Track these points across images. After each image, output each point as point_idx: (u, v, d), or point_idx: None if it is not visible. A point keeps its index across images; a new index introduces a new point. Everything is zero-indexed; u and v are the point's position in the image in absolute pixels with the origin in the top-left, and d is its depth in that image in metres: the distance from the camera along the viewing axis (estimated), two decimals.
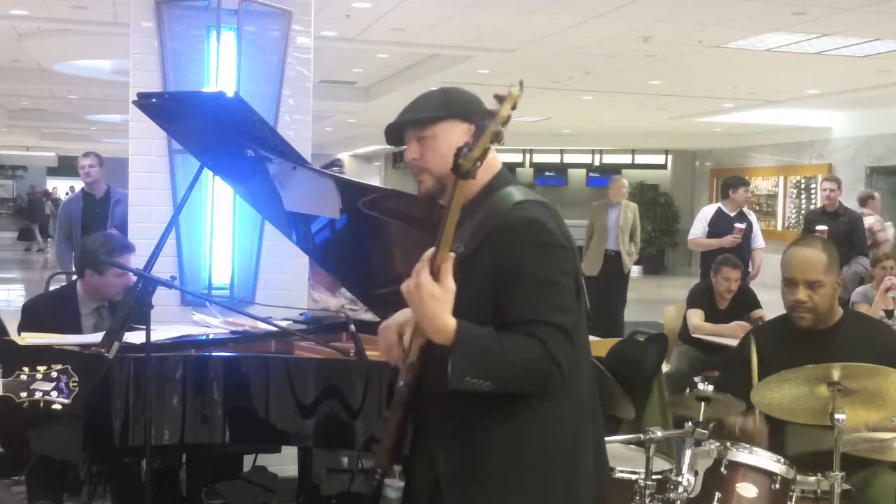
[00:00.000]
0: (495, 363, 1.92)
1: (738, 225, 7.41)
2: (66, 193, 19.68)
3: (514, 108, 1.76)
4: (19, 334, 3.85)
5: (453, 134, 2.11)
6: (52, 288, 5.20)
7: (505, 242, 1.98)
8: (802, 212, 15.65)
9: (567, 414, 2.06)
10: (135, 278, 4.07)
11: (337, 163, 8.00)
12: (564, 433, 2.06)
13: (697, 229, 7.73)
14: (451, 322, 1.91)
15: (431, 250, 1.92)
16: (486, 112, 1.93)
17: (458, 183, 1.83)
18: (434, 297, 1.90)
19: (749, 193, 7.61)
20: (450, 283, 1.91)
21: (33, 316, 4.09)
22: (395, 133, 2.20)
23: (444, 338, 1.91)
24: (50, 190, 30.44)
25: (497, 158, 2.15)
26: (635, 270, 10.48)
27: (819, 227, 7.45)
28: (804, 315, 3.14)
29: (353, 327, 3.51)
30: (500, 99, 1.76)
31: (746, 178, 8.70)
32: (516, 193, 2.08)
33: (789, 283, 3.16)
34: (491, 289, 1.98)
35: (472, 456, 2.04)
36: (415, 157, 2.15)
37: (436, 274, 1.90)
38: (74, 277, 4.45)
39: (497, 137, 1.77)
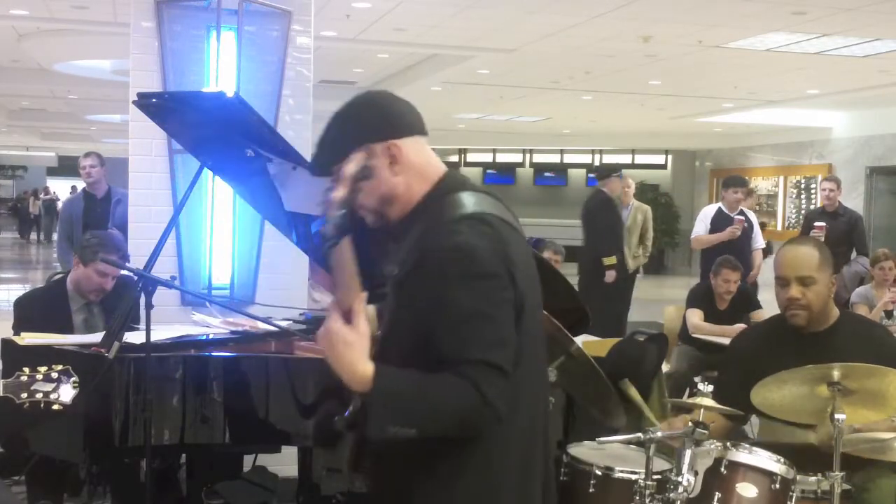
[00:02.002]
0: (418, 410, 1.79)
1: (737, 217, 7.41)
2: (70, 192, 19.72)
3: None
4: (13, 331, 3.85)
5: (363, 166, 1.91)
6: None
7: (431, 274, 1.81)
8: (802, 212, 15.65)
9: (512, 451, 1.91)
10: (112, 284, 4.09)
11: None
12: (508, 473, 1.91)
13: (699, 229, 7.75)
14: (367, 369, 1.77)
15: (338, 294, 1.80)
16: (403, 121, 1.87)
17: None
18: (347, 343, 1.77)
19: (739, 194, 7.59)
20: (362, 327, 1.78)
21: (24, 311, 4.11)
22: (320, 172, 2.00)
23: (362, 385, 1.78)
24: (47, 190, 30.47)
25: (436, 165, 1.97)
26: None
27: (818, 224, 7.45)
28: (797, 312, 3.11)
29: None
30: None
31: (746, 178, 8.71)
32: (461, 204, 1.89)
33: (782, 281, 3.14)
34: (420, 321, 1.83)
35: (403, 499, 1.92)
36: (343, 197, 1.90)
37: (347, 317, 1.78)
38: (60, 275, 4.46)
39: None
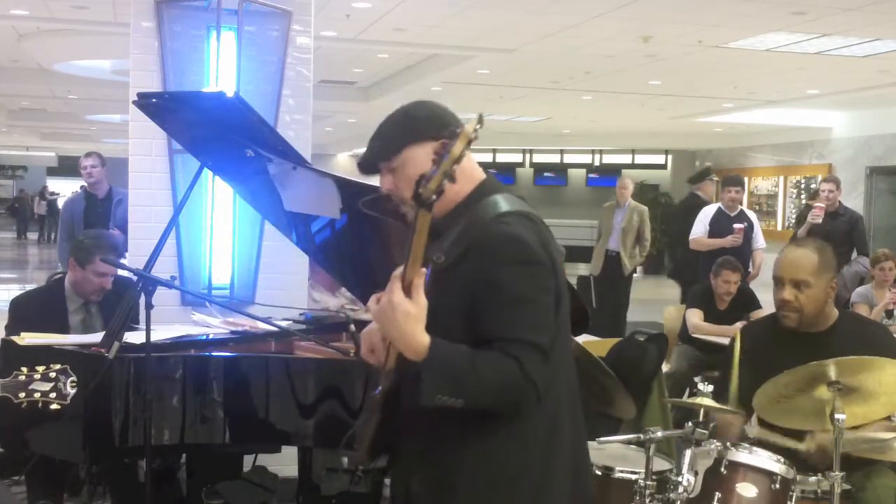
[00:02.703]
0: (468, 381, 1.90)
1: (737, 225, 7.40)
2: (73, 193, 19.69)
3: (469, 144, 1.75)
4: (6, 331, 3.85)
5: (420, 158, 2.02)
6: None
7: (484, 258, 1.95)
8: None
9: (540, 432, 2.03)
10: (111, 283, 4.09)
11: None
12: (534, 452, 2.03)
13: (698, 229, 7.74)
14: (425, 339, 1.88)
15: (401, 268, 1.89)
16: (452, 125, 1.93)
17: (420, 211, 1.80)
18: (408, 314, 1.87)
19: (732, 193, 7.61)
20: (422, 300, 1.88)
21: (21, 311, 4.10)
22: (368, 167, 2.14)
23: (417, 355, 1.88)
24: (48, 189, 30.42)
25: (479, 168, 2.12)
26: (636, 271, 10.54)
27: (818, 204, 7.44)
28: (788, 315, 3.13)
29: (353, 327, 3.51)
30: (452, 136, 1.75)
31: (743, 177, 8.72)
32: (501, 203, 2.04)
33: (777, 281, 3.16)
34: (468, 302, 1.96)
35: (443, 476, 2.02)
36: (390, 189, 2.10)
37: (407, 290, 1.87)
38: (60, 275, 4.46)
39: (452, 172, 1.75)
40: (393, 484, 2.22)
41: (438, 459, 2.03)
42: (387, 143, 2.09)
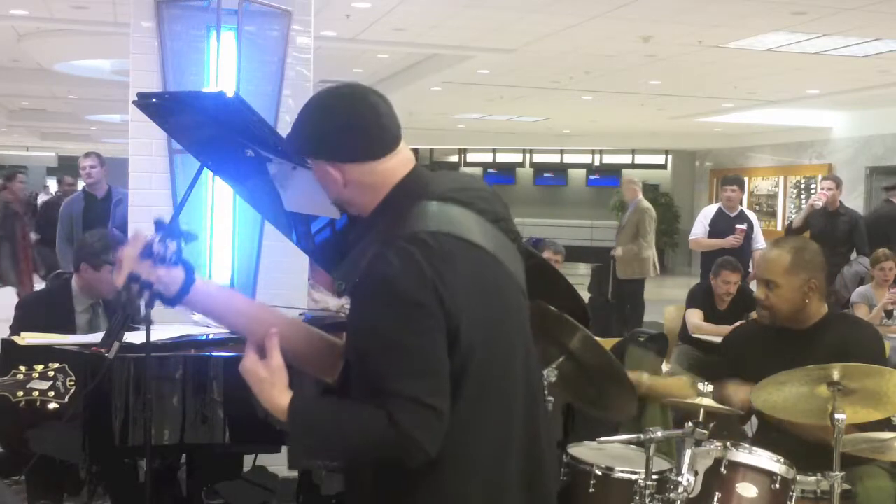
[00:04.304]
0: (333, 441, 1.81)
1: (739, 226, 7.40)
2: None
3: None
4: (10, 331, 3.85)
5: (320, 172, 1.94)
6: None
7: (360, 297, 1.81)
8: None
9: (469, 476, 1.84)
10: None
11: None
12: (464, 496, 1.84)
13: (698, 229, 7.74)
14: (282, 402, 1.82)
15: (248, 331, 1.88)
16: (342, 142, 1.85)
17: None
18: (260, 380, 1.85)
19: (729, 192, 7.61)
20: (275, 362, 1.85)
21: (28, 312, 4.11)
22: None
23: (281, 417, 1.83)
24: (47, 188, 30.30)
25: (395, 166, 1.91)
26: None
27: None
28: (761, 312, 3.24)
29: None
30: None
31: (743, 177, 8.72)
32: (404, 224, 1.83)
33: (756, 279, 3.29)
34: (354, 346, 1.84)
35: None
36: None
37: (261, 352, 1.85)
38: (66, 276, 4.45)
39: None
40: None
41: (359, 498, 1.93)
42: (297, 142, 1.96)
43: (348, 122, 1.88)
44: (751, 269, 7.51)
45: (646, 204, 9.75)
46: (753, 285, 6.88)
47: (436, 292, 1.77)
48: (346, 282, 1.86)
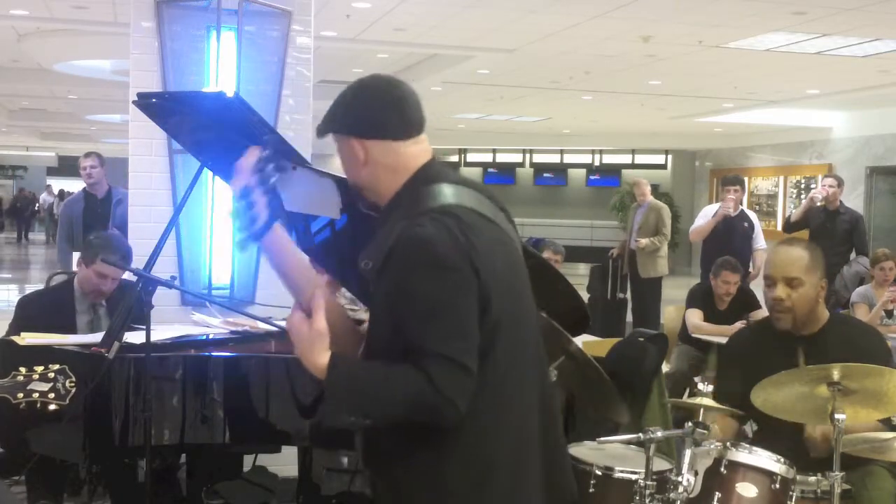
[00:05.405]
0: (372, 400, 1.86)
1: (730, 196, 7.45)
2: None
3: None
4: (10, 330, 3.84)
5: (343, 150, 2.02)
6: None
7: (395, 264, 1.86)
8: None
9: (498, 445, 1.91)
10: (112, 286, 4.09)
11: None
12: (493, 466, 1.90)
13: (699, 223, 7.81)
14: (321, 361, 1.87)
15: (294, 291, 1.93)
16: (367, 118, 1.92)
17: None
18: (300, 338, 1.90)
19: (730, 193, 7.63)
20: (319, 323, 1.89)
21: (28, 312, 4.10)
22: (319, 133, 2.10)
23: (320, 375, 1.88)
24: (49, 190, 30.28)
25: (412, 161, 2.00)
26: None
27: (824, 187, 7.45)
28: (780, 315, 3.10)
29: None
30: None
31: (742, 178, 8.73)
32: (433, 197, 1.93)
33: (769, 280, 3.13)
34: (390, 311, 1.89)
35: (394, 488, 1.97)
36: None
37: (308, 312, 1.91)
38: (66, 276, 4.45)
39: None
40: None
41: (386, 471, 1.98)
42: (326, 120, 2.04)
43: (377, 98, 1.99)
44: (751, 269, 7.53)
45: (660, 202, 9.77)
46: (753, 286, 6.98)
47: (470, 260, 1.85)
48: (374, 260, 1.91)
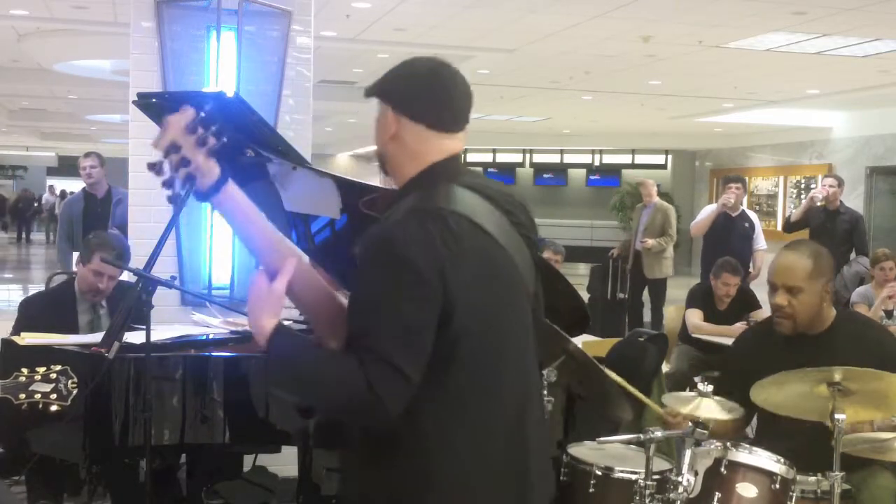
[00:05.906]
0: (304, 377, 1.84)
1: (731, 185, 7.48)
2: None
3: None
4: (13, 331, 3.84)
5: (380, 117, 2.00)
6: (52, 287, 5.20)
7: (364, 254, 1.85)
8: None
9: (431, 462, 1.84)
10: (110, 285, 4.09)
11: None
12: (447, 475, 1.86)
13: (699, 217, 7.86)
14: (268, 324, 1.86)
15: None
16: (414, 98, 1.92)
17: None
18: (258, 296, 1.89)
19: (731, 191, 7.65)
20: (277, 288, 1.88)
21: (31, 312, 4.10)
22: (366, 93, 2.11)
23: (261, 339, 1.87)
24: (52, 190, 30.23)
25: (434, 153, 1.97)
26: None
27: (825, 186, 7.49)
28: (781, 321, 3.11)
29: None
30: None
31: (743, 177, 8.75)
32: (426, 198, 1.89)
33: (771, 286, 3.15)
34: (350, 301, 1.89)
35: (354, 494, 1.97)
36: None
37: (272, 277, 1.89)
38: (66, 277, 4.45)
39: None
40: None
41: (349, 474, 2.01)
42: (378, 82, 2.03)
43: (432, 82, 1.98)
44: (751, 269, 7.53)
45: (666, 203, 9.77)
46: (755, 285, 6.98)
47: (441, 271, 1.80)
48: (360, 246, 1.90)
